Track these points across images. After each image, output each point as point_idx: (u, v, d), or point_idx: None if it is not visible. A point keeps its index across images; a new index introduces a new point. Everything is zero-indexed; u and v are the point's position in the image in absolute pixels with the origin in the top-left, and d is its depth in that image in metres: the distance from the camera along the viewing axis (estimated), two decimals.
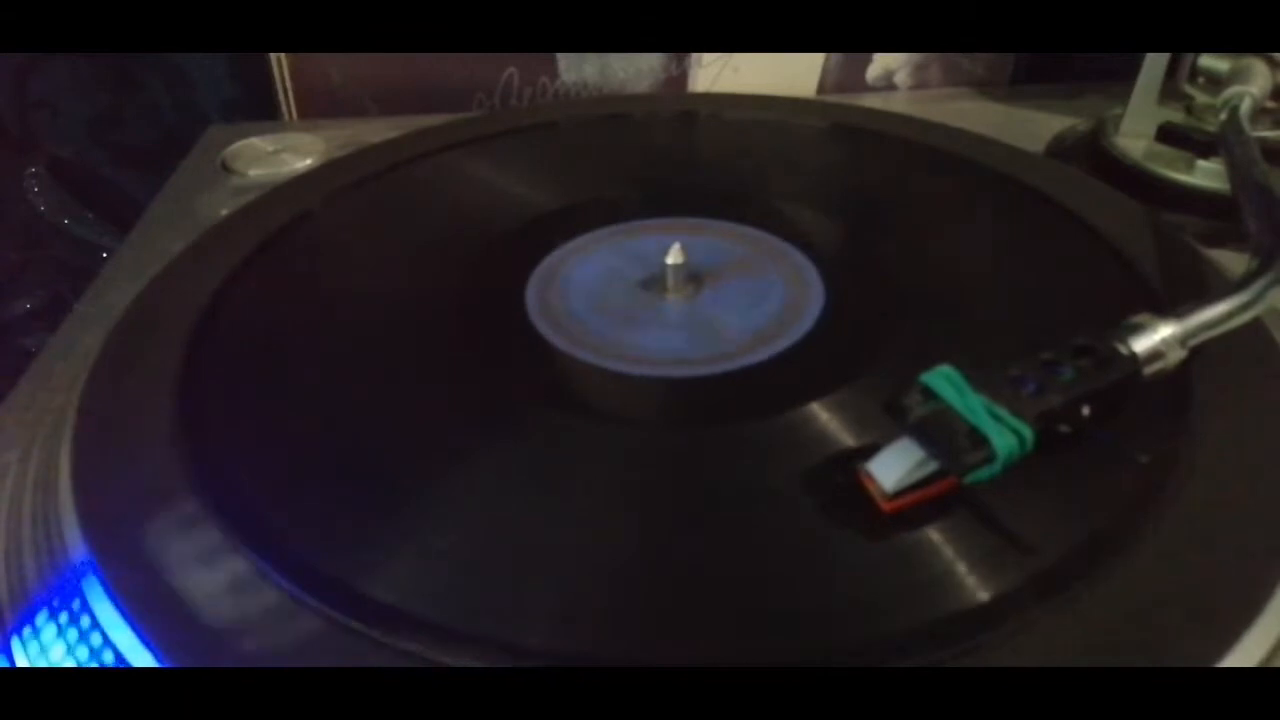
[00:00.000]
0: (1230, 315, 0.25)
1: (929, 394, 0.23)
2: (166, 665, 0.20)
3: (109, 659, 0.21)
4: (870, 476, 0.23)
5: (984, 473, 0.22)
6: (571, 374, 0.29)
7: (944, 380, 0.23)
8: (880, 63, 0.55)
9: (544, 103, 0.54)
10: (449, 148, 0.42)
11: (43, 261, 0.57)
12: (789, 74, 0.54)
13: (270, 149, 0.46)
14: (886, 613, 0.21)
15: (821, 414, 0.26)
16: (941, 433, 0.22)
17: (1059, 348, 0.24)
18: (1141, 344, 0.24)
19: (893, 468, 0.22)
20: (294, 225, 0.36)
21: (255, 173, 0.45)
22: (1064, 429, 0.23)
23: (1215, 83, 0.39)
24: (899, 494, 0.22)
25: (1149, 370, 0.24)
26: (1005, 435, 0.22)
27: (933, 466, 0.22)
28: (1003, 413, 0.22)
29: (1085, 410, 0.23)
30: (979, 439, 0.22)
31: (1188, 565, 0.22)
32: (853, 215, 0.37)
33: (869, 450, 0.23)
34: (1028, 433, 0.22)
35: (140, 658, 0.20)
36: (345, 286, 0.33)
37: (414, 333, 0.31)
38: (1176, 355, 0.24)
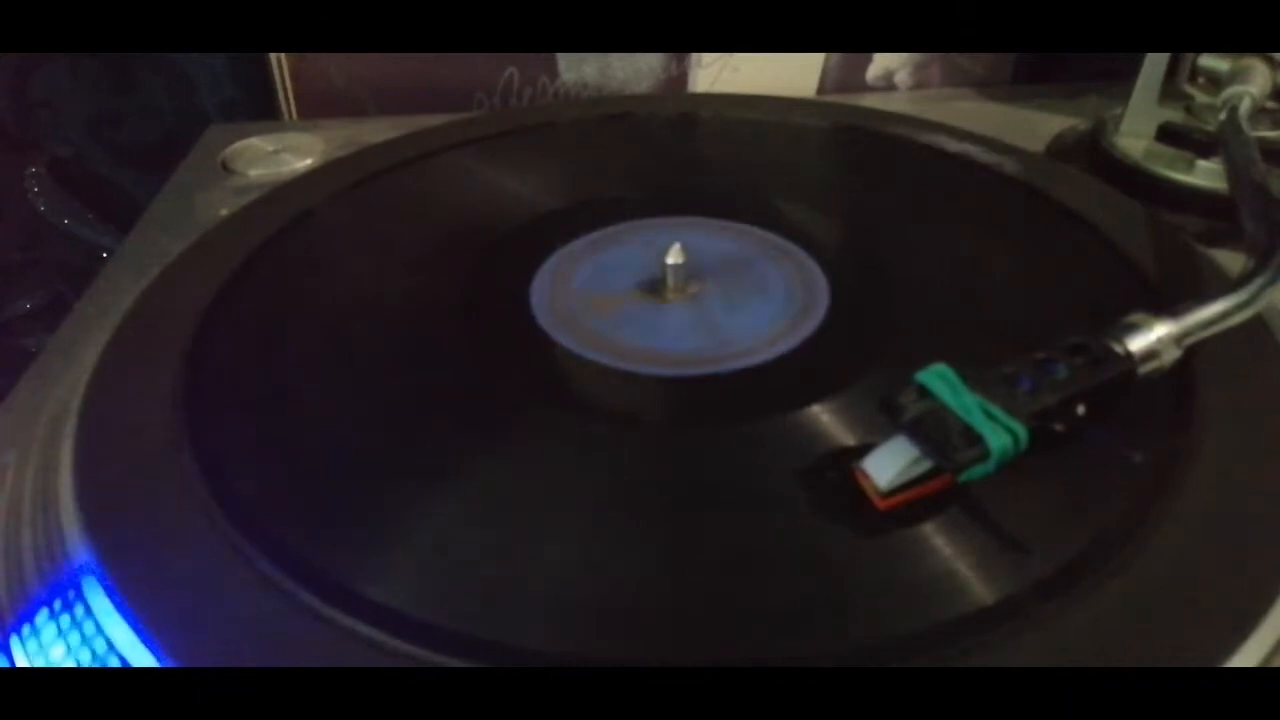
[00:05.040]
0: (1226, 314, 0.25)
1: (924, 392, 0.23)
2: (166, 665, 0.20)
3: (110, 659, 0.21)
4: (865, 474, 0.23)
5: (978, 471, 0.22)
6: (574, 374, 0.29)
7: (939, 378, 0.23)
8: (880, 63, 0.55)
9: (544, 103, 0.54)
10: (449, 148, 0.42)
11: (43, 261, 0.57)
12: (789, 74, 0.54)
13: (270, 149, 0.46)
14: (886, 613, 0.21)
15: (824, 415, 0.26)
16: (936, 431, 0.22)
17: (1054, 346, 0.24)
18: (1136, 343, 0.24)
19: (887, 465, 0.22)
20: (294, 225, 0.36)
21: (255, 173, 0.45)
22: (1059, 427, 0.23)
23: (1215, 83, 0.39)
24: (894, 491, 0.22)
25: (1144, 369, 0.24)
26: (999, 433, 0.22)
27: (927, 464, 0.22)
28: (997, 411, 0.22)
29: (1080, 409, 0.23)
30: (973, 437, 0.22)
31: (1188, 565, 0.22)
32: (853, 215, 0.37)
33: (865, 448, 0.23)
34: (1021, 431, 0.22)
35: (140, 658, 0.20)
36: (345, 287, 0.33)
37: (415, 332, 0.31)
38: (1172, 354, 0.24)
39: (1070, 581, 0.21)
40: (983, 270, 0.33)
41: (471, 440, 0.26)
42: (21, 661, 0.22)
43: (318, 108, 0.52)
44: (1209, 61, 0.40)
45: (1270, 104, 0.39)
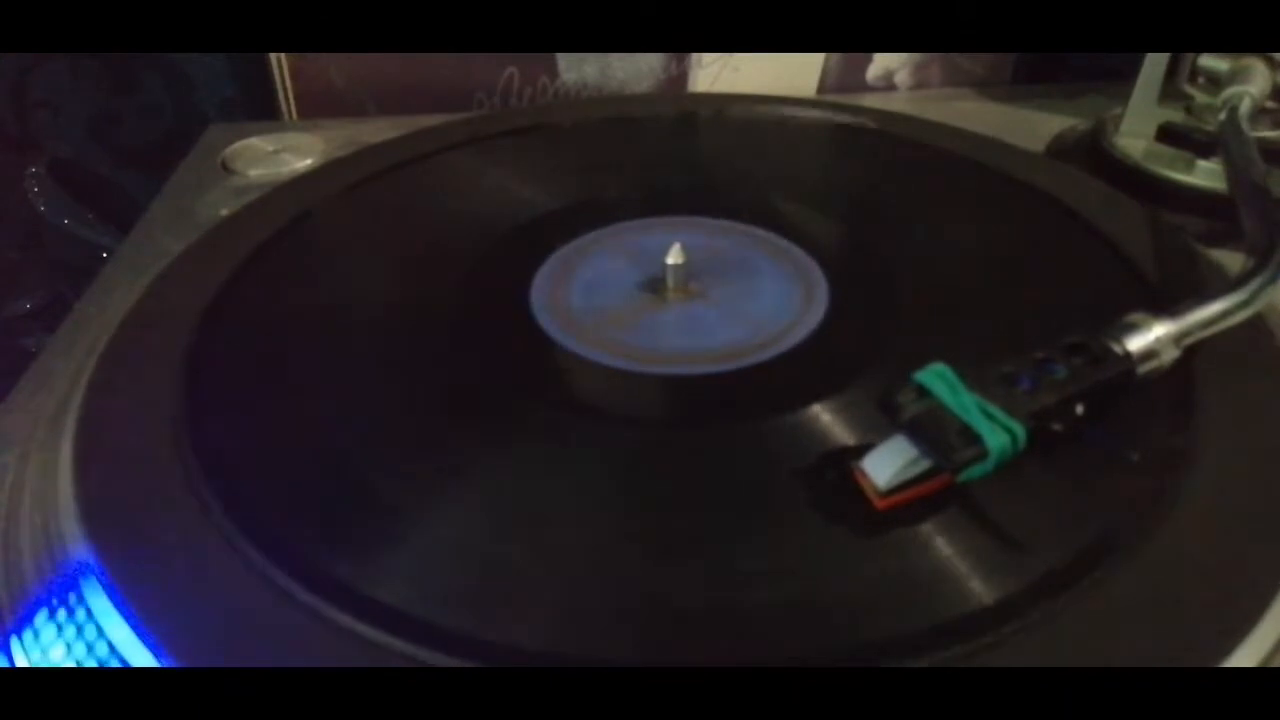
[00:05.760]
0: (1225, 314, 0.25)
1: (923, 391, 0.23)
2: (166, 665, 0.20)
3: (110, 659, 0.21)
4: (864, 473, 0.23)
5: (977, 470, 0.22)
6: (573, 373, 0.29)
7: (937, 378, 0.23)
8: (880, 63, 0.55)
9: (544, 103, 0.54)
10: (449, 148, 0.42)
11: (43, 261, 0.57)
12: (789, 74, 0.54)
13: (270, 149, 0.46)
14: (887, 613, 0.21)
15: (824, 414, 0.26)
16: (934, 430, 0.22)
17: (1053, 346, 0.24)
18: (1135, 342, 0.24)
19: (886, 465, 0.22)
20: (294, 225, 0.36)
21: (255, 173, 0.45)
22: (1057, 427, 0.23)
23: (1215, 83, 0.39)
24: (892, 491, 0.22)
25: (1143, 369, 0.24)
26: (997, 433, 0.22)
27: (926, 464, 0.22)
28: (995, 410, 0.22)
29: (1079, 408, 0.23)
30: (971, 436, 0.22)
31: (1187, 565, 0.22)
32: (852, 215, 0.37)
33: (865, 448, 0.23)
34: (1020, 430, 0.22)
35: (140, 658, 0.20)
36: (346, 287, 0.33)
37: (415, 332, 0.31)
38: (1170, 354, 0.24)
39: (1069, 581, 0.21)
40: (982, 270, 0.33)
41: (471, 440, 0.26)
42: (21, 661, 0.22)
43: (318, 108, 0.52)
44: (1209, 61, 0.40)
45: (1270, 104, 0.39)
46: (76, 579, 0.22)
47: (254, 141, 0.47)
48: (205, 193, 0.44)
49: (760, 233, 0.35)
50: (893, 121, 0.44)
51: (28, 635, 0.22)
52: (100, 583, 0.22)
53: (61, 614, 0.22)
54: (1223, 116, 0.36)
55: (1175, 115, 0.41)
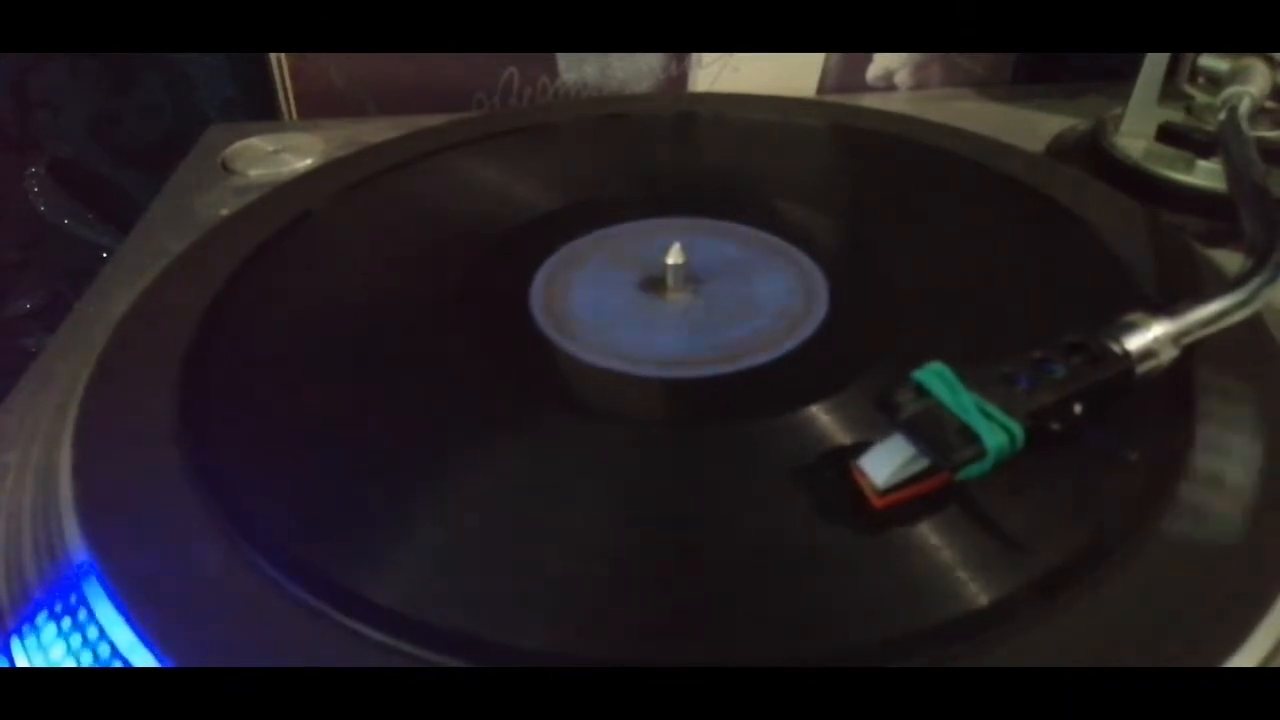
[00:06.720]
0: (1224, 314, 0.25)
1: (922, 391, 0.23)
2: (166, 665, 0.20)
3: (110, 659, 0.21)
4: (862, 472, 0.23)
5: (975, 469, 0.22)
6: (573, 374, 0.29)
7: (936, 377, 0.23)
8: (880, 63, 0.55)
9: (544, 103, 0.54)
10: (449, 148, 0.42)
11: (43, 261, 0.57)
12: (789, 74, 0.54)
13: (270, 149, 0.46)
14: (885, 612, 0.21)
15: (823, 414, 0.26)
16: (933, 429, 0.22)
17: (1052, 345, 0.24)
18: (1134, 342, 0.24)
19: (884, 463, 0.22)
20: (294, 225, 0.36)
21: (255, 173, 0.45)
22: (1056, 427, 0.23)
23: (1215, 83, 0.39)
24: (891, 490, 0.22)
25: (1141, 368, 0.24)
26: (995, 432, 0.22)
27: (924, 463, 0.22)
28: (994, 410, 0.22)
29: (1077, 408, 0.23)
30: (970, 435, 0.22)
31: (1187, 566, 0.22)
32: (852, 215, 0.37)
33: (863, 447, 0.23)
34: (1018, 430, 0.22)
35: (140, 658, 0.20)
36: (346, 287, 0.33)
37: (415, 333, 0.31)
38: (1169, 354, 0.24)
39: (1068, 581, 0.21)
40: (982, 270, 0.33)
41: (471, 441, 0.26)
42: (21, 662, 0.22)
43: (318, 108, 0.52)
44: (1209, 61, 0.40)
45: (1270, 104, 0.39)
46: (77, 579, 0.22)
47: (254, 141, 0.47)
48: (205, 193, 0.44)
49: (760, 233, 0.35)
50: (893, 121, 0.44)
51: (28, 635, 0.22)
52: (100, 583, 0.22)
53: (62, 614, 0.22)
54: (1222, 116, 0.36)
55: (1175, 115, 0.41)
